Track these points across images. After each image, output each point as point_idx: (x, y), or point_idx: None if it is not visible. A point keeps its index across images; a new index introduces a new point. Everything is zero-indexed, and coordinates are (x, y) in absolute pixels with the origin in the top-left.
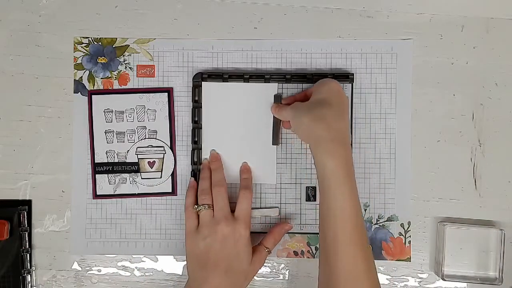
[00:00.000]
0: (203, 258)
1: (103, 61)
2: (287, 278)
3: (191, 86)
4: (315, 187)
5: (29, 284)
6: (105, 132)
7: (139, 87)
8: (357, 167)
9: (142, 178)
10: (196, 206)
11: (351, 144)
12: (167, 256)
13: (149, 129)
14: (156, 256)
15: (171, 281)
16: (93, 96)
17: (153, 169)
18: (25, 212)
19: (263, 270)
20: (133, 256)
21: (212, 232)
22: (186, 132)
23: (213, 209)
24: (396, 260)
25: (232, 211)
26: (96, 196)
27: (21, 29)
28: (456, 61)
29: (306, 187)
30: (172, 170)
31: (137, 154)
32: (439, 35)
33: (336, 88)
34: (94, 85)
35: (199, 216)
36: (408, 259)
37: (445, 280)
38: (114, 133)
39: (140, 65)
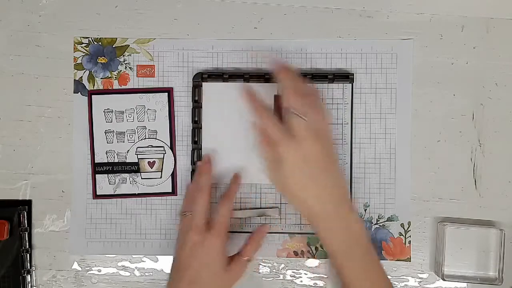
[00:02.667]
0: (176, 265)
1: (103, 61)
2: (287, 278)
3: (191, 86)
4: None
5: (29, 284)
6: (105, 132)
7: (139, 87)
8: (357, 167)
9: (142, 178)
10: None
11: (352, 144)
12: (167, 256)
13: (149, 129)
14: (156, 256)
15: None
16: (93, 96)
17: (153, 169)
18: (25, 212)
19: (263, 270)
20: (133, 256)
21: (186, 240)
22: (186, 132)
23: None
24: (396, 260)
25: None
26: (96, 196)
27: (21, 29)
28: (456, 61)
29: None
30: (172, 170)
31: (137, 154)
32: (439, 35)
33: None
34: (94, 85)
35: None
36: (408, 259)
37: (445, 280)
38: (114, 133)
39: (140, 65)
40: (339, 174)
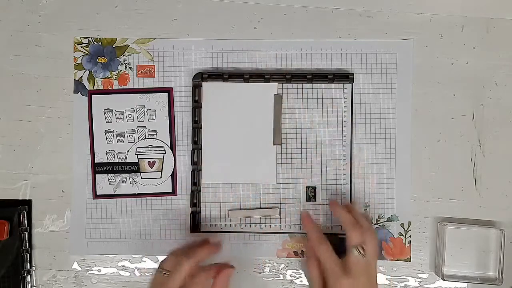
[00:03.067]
0: None
1: (103, 61)
2: (287, 278)
3: (191, 86)
4: (315, 187)
5: (29, 284)
6: (105, 132)
7: (139, 87)
8: (357, 167)
9: (142, 178)
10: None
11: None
12: None
13: (149, 129)
14: (156, 256)
15: None
16: (93, 96)
17: (153, 169)
18: (25, 212)
19: (263, 270)
20: (133, 256)
21: None
22: (186, 132)
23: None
24: (396, 260)
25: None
26: (96, 196)
27: (21, 29)
28: (456, 61)
29: (306, 187)
30: (172, 170)
31: (137, 154)
32: (439, 35)
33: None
34: (94, 85)
35: None
36: (408, 259)
37: (445, 280)
38: (114, 133)
39: (140, 65)
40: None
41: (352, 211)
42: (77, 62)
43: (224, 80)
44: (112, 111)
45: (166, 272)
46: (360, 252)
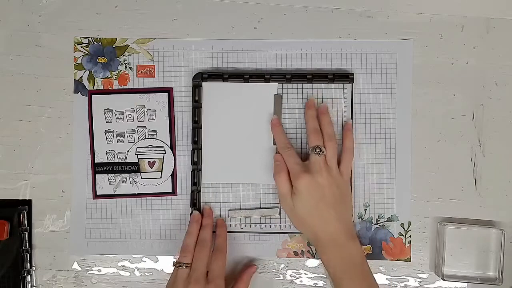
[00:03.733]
0: None
1: (103, 61)
2: (287, 278)
3: (191, 86)
4: None
5: (29, 284)
6: (105, 132)
7: (139, 87)
8: (357, 167)
9: (142, 178)
10: (174, 262)
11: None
12: (167, 256)
13: (149, 129)
14: (156, 256)
15: None
16: (93, 96)
17: (153, 169)
18: (25, 212)
19: (263, 270)
20: (133, 256)
21: None
22: (186, 132)
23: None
24: (396, 260)
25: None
26: (96, 196)
27: (21, 29)
28: (456, 61)
29: None
30: (172, 170)
31: (137, 154)
32: (439, 35)
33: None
34: (94, 85)
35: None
36: (408, 259)
37: (445, 280)
38: (114, 133)
39: (140, 65)
40: (345, 208)
41: (322, 115)
42: (77, 62)
43: (224, 80)
44: (112, 111)
45: (184, 265)
46: (316, 151)
